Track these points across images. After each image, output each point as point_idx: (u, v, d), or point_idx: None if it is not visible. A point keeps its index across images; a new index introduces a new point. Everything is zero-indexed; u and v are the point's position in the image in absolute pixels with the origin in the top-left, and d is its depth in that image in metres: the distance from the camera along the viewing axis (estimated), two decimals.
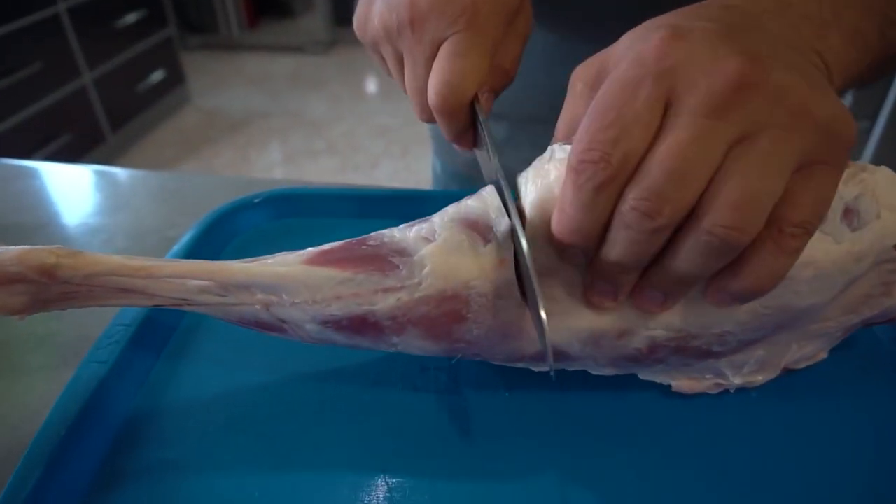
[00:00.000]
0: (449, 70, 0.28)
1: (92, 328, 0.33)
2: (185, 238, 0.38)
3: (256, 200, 0.42)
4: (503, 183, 0.25)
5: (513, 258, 0.25)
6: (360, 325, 0.26)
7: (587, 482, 0.27)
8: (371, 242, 0.26)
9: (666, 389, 0.30)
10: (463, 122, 0.30)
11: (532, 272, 0.22)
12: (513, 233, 0.24)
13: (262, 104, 2.63)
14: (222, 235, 0.40)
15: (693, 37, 0.21)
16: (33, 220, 0.47)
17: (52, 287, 0.25)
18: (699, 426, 0.29)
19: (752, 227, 0.20)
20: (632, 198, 0.20)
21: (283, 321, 0.27)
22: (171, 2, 2.48)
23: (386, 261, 0.25)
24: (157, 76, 2.36)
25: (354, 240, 0.27)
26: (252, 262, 0.27)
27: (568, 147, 0.24)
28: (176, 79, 2.50)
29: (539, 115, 0.50)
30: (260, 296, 0.26)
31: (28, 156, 1.77)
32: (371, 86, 2.83)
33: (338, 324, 0.26)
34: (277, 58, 3.08)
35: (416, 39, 0.29)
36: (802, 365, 0.30)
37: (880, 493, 0.26)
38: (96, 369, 0.29)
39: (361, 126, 2.44)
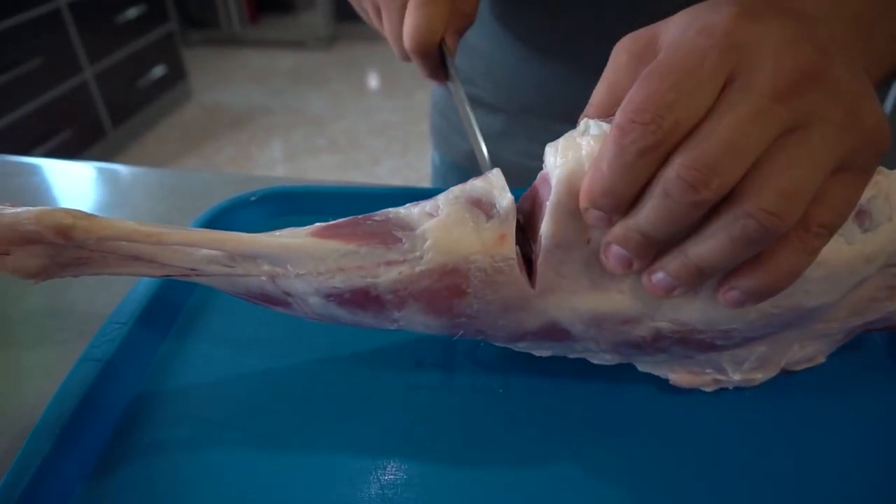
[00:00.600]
0: (418, 16, 0.34)
1: (91, 325, 0.33)
2: None
3: (254, 198, 0.42)
4: (466, 101, 0.34)
5: (514, 234, 0.25)
6: (363, 298, 0.26)
7: (581, 478, 0.27)
8: (376, 218, 0.26)
9: (662, 385, 0.30)
10: (434, 60, 0.36)
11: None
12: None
13: (263, 100, 2.63)
14: None
15: (765, 19, 0.21)
16: None
17: (67, 250, 0.25)
18: (694, 424, 0.29)
19: (791, 217, 0.20)
20: (680, 164, 0.20)
21: (288, 294, 0.27)
22: None
23: (389, 234, 0.26)
24: (158, 72, 2.36)
25: (361, 216, 0.27)
26: (261, 234, 0.27)
27: (604, 124, 0.23)
28: (177, 74, 2.50)
29: (533, 107, 0.51)
30: (266, 267, 0.26)
31: (29, 151, 1.77)
32: (372, 82, 2.83)
33: (340, 297, 0.26)
34: (279, 53, 3.08)
35: None
36: (800, 367, 0.30)
37: (872, 493, 0.26)
38: (105, 349, 0.30)
39: (363, 123, 2.44)
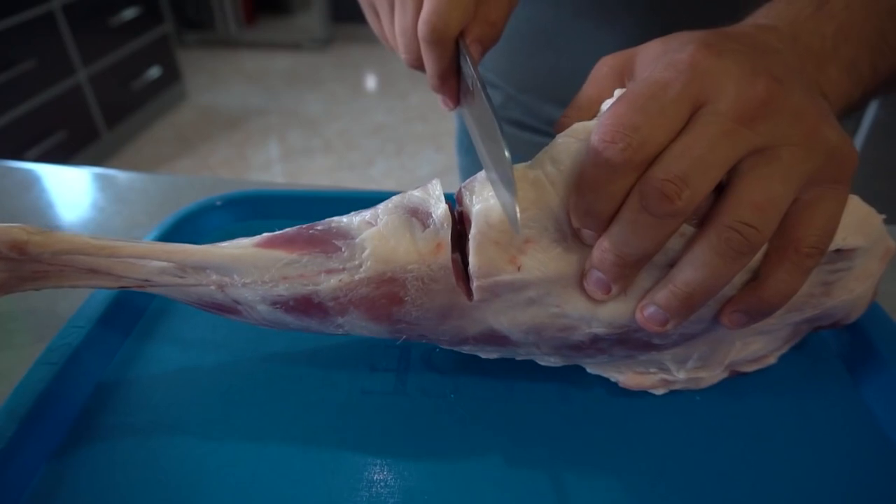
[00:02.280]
0: (435, 4, 0.29)
1: (51, 328, 0.33)
2: (148, 239, 0.39)
3: (219, 203, 0.42)
4: (492, 112, 0.25)
5: (449, 244, 0.25)
6: (306, 305, 0.27)
7: (532, 480, 0.27)
8: (319, 227, 0.27)
9: (613, 388, 0.31)
10: (448, 58, 0.30)
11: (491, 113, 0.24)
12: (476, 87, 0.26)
13: (258, 101, 2.63)
14: (185, 237, 0.40)
15: (725, 53, 0.23)
16: (25, 220, 0.47)
17: (26, 265, 0.27)
18: (645, 425, 0.29)
19: (768, 229, 0.22)
20: (653, 177, 0.21)
21: (237, 302, 0.28)
22: None
23: (330, 243, 0.26)
24: (154, 73, 2.36)
25: (305, 225, 0.28)
26: (209, 246, 0.28)
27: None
28: (172, 76, 2.50)
29: (526, 89, 0.54)
30: (214, 277, 0.27)
31: (22, 153, 1.77)
32: (367, 84, 2.83)
33: (286, 304, 0.27)
34: (274, 55, 3.08)
35: None
36: (752, 369, 0.31)
37: (820, 490, 0.26)
38: (64, 351, 0.31)
39: (357, 124, 2.44)
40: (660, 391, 0.30)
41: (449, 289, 0.26)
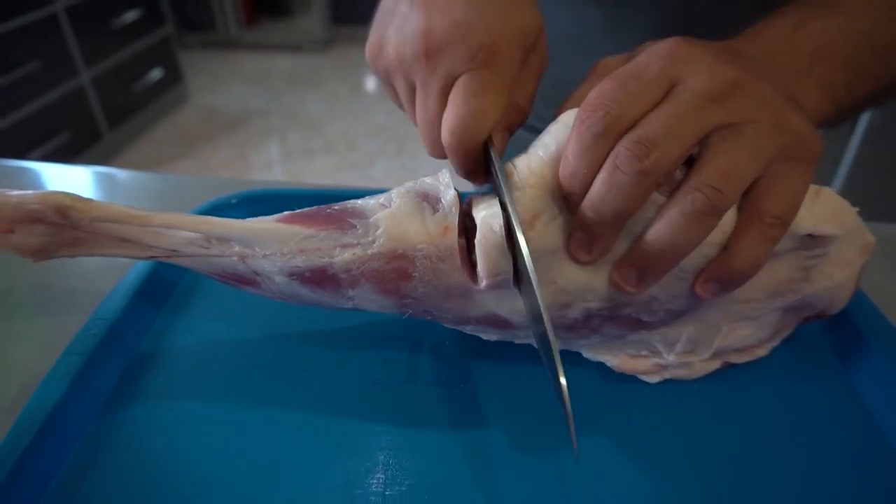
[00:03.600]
0: (465, 109, 0.27)
1: (76, 319, 0.35)
2: None
3: (234, 201, 0.43)
4: (516, 221, 0.25)
5: (456, 227, 0.27)
6: (321, 276, 0.29)
7: (536, 461, 0.28)
8: (336, 207, 0.30)
9: (612, 376, 0.32)
10: (475, 162, 0.28)
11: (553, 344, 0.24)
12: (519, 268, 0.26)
13: (259, 103, 2.65)
14: None
15: (701, 46, 0.26)
16: None
17: (65, 231, 0.28)
18: (643, 411, 0.31)
19: (732, 194, 0.24)
20: (625, 139, 0.24)
21: (257, 273, 0.30)
22: (169, 0, 2.49)
23: (345, 221, 0.28)
24: (155, 74, 2.37)
25: (323, 205, 0.30)
26: (232, 219, 0.30)
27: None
28: (174, 77, 2.52)
29: (538, 94, 0.54)
30: (237, 248, 0.29)
31: (26, 154, 1.78)
32: (368, 85, 2.85)
33: (302, 275, 0.29)
34: (275, 56, 3.10)
35: (430, 72, 0.28)
36: (742, 360, 0.32)
37: (816, 478, 0.28)
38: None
39: (358, 125, 2.46)
40: (654, 378, 0.32)
41: (454, 269, 0.27)
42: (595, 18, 0.49)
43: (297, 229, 0.28)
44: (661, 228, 0.25)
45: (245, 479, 0.28)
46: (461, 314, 0.30)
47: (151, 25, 2.32)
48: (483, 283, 0.27)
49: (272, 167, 2.21)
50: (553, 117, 0.29)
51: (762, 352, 0.32)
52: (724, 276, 0.26)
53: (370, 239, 0.28)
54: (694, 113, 0.24)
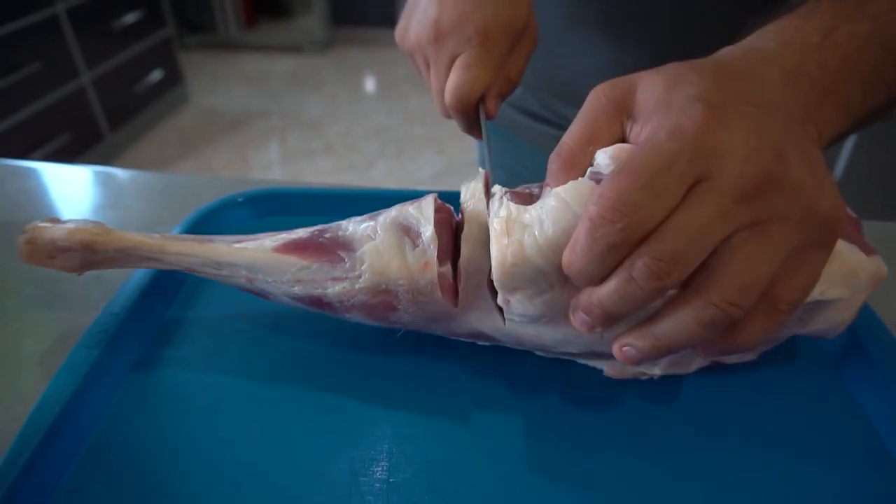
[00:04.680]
0: (461, 77, 0.35)
1: (86, 317, 0.35)
2: (174, 232, 0.41)
3: (240, 199, 0.44)
4: (489, 168, 0.33)
5: (436, 262, 0.28)
6: (318, 303, 0.32)
7: (538, 455, 0.29)
8: (327, 235, 0.31)
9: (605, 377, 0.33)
10: (471, 118, 0.38)
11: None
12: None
13: (260, 104, 2.65)
14: (207, 232, 0.43)
15: (732, 121, 0.23)
16: (29, 217, 0.49)
17: (95, 254, 0.33)
18: (635, 411, 0.31)
19: (750, 304, 0.22)
20: (647, 255, 0.22)
21: (265, 291, 0.33)
22: (170, 2, 2.50)
23: (335, 253, 0.30)
24: (156, 76, 2.38)
25: (317, 229, 0.32)
26: (241, 240, 0.33)
27: (609, 154, 0.25)
28: (174, 78, 2.52)
29: (538, 83, 0.56)
30: (244, 272, 0.32)
31: (27, 155, 1.79)
32: (368, 86, 2.85)
33: (301, 300, 0.32)
34: (275, 57, 3.11)
35: (438, 51, 0.37)
36: (732, 361, 0.33)
37: (810, 478, 0.28)
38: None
39: (358, 126, 2.46)
40: (644, 377, 0.32)
41: (436, 301, 0.29)
42: (582, 15, 0.50)
43: (293, 260, 0.31)
44: (673, 328, 0.23)
45: (254, 469, 0.29)
46: (448, 333, 0.32)
47: (152, 27, 2.33)
48: (461, 284, 0.29)
49: (272, 168, 2.22)
50: (550, 162, 0.27)
51: (751, 356, 0.32)
52: (726, 348, 0.25)
53: (357, 273, 0.30)
54: (721, 220, 0.22)
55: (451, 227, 0.31)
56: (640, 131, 0.26)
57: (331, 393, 0.32)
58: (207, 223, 0.43)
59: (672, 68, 0.26)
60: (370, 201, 0.45)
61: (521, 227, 0.25)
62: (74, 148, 2.00)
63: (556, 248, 0.24)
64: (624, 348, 0.25)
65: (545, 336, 0.29)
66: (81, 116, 2.04)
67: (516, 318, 0.28)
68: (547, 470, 0.29)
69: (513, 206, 0.26)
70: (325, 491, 0.28)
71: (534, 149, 0.61)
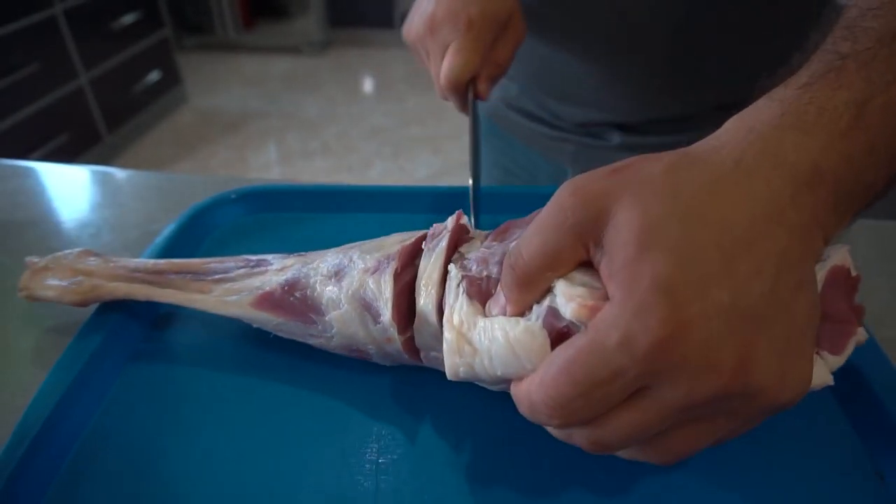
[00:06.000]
0: (451, 61, 0.41)
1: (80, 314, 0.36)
2: (166, 231, 0.42)
3: (233, 197, 0.45)
4: (472, 166, 0.41)
5: (397, 337, 0.30)
6: (304, 346, 0.34)
7: (526, 437, 0.30)
8: (297, 294, 0.32)
9: None
10: (464, 98, 0.43)
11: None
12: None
13: (257, 105, 2.66)
14: (201, 229, 0.44)
15: (691, 334, 0.19)
16: (27, 216, 0.50)
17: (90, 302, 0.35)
18: None
19: (680, 458, 0.23)
20: (585, 437, 0.22)
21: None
22: (168, 3, 2.51)
23: (307, 316, 0.32)
24: (154, 77, 2.39)
25: (288, 284, 0.33)
26: (224, 279, 0.35)
27: (570, 296, 0.23)
28: (172, 79, 2.53)
29: (536, 82, 0.57)
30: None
31: (25, 155, 1.79)
32: (365, 87, 2.86)
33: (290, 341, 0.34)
34: (273, 58, 3.11)
35: (434, 41, 0.43)
36: None
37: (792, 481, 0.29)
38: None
39: (355, 127, 2.47)
40: None
41: (404, 358, 0.31)
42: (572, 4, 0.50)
43: (270, 316, 0.33)
44: (609, 435, 0.22)
45: (248, 456, 0.29)
46: (425, 368, 0.33)
47: (150, 28, 2.34)
48: (425, 363, 0.31)
49: (270, 168, 2.23)
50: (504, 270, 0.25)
51: None
52: (645, 458, 0.25)
53: (329, 335, 0.32)
54: (659, 422, 0.21)
55: (411, 269, 0.31)
56: (605, 270, 0.22)
57: (323, 377, 0.33)
58: (201, 220, 0.44)
59: (654, 194, 0.21)
60: (361, 198, 0.46)
61: (473, 352, 0.25)
62: (73, 148, 2.01)
63: (506, 380, 0.25)
64: (572, 440, 0.24)
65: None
66: (79, 117, 2.04)
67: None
68: (533, 454, 0.29)
69: (465, 310, 0.26)
70: (316, 471, 0.29)
71: (528, 148, 0.62)
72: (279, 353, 0.35)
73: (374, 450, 0.30)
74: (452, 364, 0.25)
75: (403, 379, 0.33)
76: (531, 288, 0.24)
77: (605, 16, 0.48)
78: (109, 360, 0.34)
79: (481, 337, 0.25)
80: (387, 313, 0.29)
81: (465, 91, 0.43)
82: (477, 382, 0.27)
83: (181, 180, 0.56)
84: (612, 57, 0.49)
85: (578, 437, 0.23)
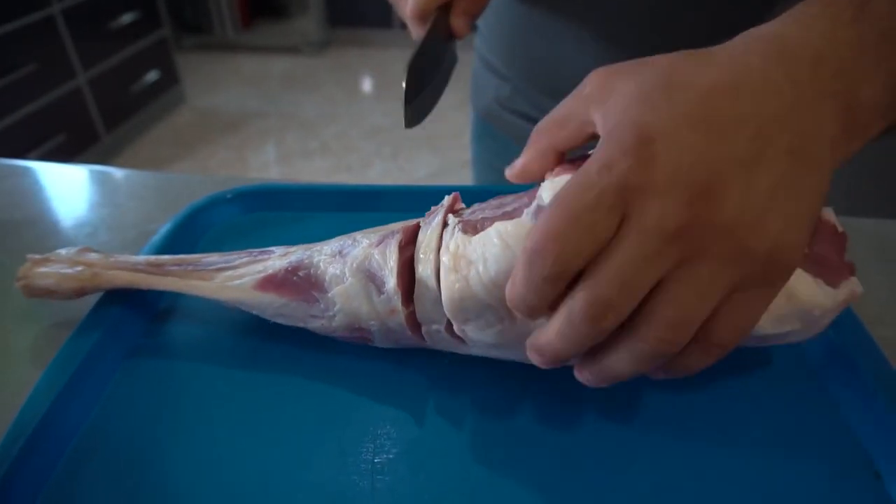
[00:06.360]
0: None
1: (78, 310, 0.36)
2: (162, 231, 0.41)
3: (229, 196, 0.45)
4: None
5: (401, 309, 0.30)
6: (303, 331, 0.34)
7: (520, 436, 0.30)
8: (301, 273, 0.33)
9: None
10: (424, 29, 0.38)
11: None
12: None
13: (256, 104, 2.66)
14: (198, 229, 0.43)
15: (660, 158, 0.22)
16: (24, 216, 0.50)
17: (88, 291, 0.35)
18: (608, 408, 0.32)
19: (681, 341, 0.23)
20: (580, 299, 0.22)
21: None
22: (166, 2, 2.51)
23: (310, 294, 0.32)
24: (152, 76, 2.39)
25: (291, 264, 0.33)
26: (225, 266, 0.34)
27: (553, 188, 0.26)
28: (170, 79, 2.53)
29: (527, 77, 0.57)
30: (230, 304, 0.34)
31: (23, 155, 1.79)
32: (364, 87, 2.86)
33: (288, 327, 0.34)
34: (272, 58, 3.11)
35: None
36: None
37: (788, 479, 0.29)
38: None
39: (354, 127, 2.47)
40: None
41: (406, 336, 0.31)
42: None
43: (273, 298, 0.33)
44: (612, 361, 0.24)
45: (246, 453, 0.29)
46: (426, 348, 0.33)
47: (148, 28, 2.33)
48: (422, 328, 0.30)
49: (269, 168, 2.23)
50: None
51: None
52: (667, 373, 0.26)
53: (331, 314, 0.31)
54: (649, 260, 0.22)
55: (406, 260, 0.31)
56: (602, 131, 0.25)
57: (320, 377, 0.33)
58: (197, 219, 0.43)
59: (653, 72, 0.24)
60: (358, 198, 0.46)
61: (468, 263, 0.27)
62: (71, 149, 2.00)
63: (500, 285, 0.25)
64: (579, 374, 0.26)
65: (510, 356, 0.30)
66: (77, 117, 2.04)
67: (478, 347, 0.29)
68: (529, 452, 0.29)
69: (460, 237, 0.27)
70: (313, 471, 0.29)
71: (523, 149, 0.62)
72: (277, 350, 0.35)
73: (370, 449, 0.30)
74: (449, 284, 0.27)
75: (402, 379, 0.33)
76: (545, 136, 0.28)
77: (601, 10, 0.48)
78: (107, 356, 0.34)
79: (476, 247, 0.27)
80: (391, 281, 0.29)
81: (433, 22, 0.38)
82: (471, 310, 0.27)
83: (179, 180, 0.56)
84: (609, 52, 0.49)
85: (578, 306, 0.22)
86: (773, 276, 0.23)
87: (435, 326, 0.30)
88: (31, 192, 0.54)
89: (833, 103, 0.23)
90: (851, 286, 0.27)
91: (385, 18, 3.10)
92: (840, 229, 0.29)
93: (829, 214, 0.29)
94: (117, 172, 0.57)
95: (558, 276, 0.22)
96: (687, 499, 0.28)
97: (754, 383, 0.33)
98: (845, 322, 0.34)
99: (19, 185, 0.55)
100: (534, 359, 0.26)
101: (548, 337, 0.24)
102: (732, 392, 0.33)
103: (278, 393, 0.33)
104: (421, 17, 0.38)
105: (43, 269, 0.35)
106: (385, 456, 0.29)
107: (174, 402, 0.32)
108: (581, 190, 0.22)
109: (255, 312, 0.34)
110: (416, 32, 0.39)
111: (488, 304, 0.27)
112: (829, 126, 0.23)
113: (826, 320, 0.28)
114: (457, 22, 0.38)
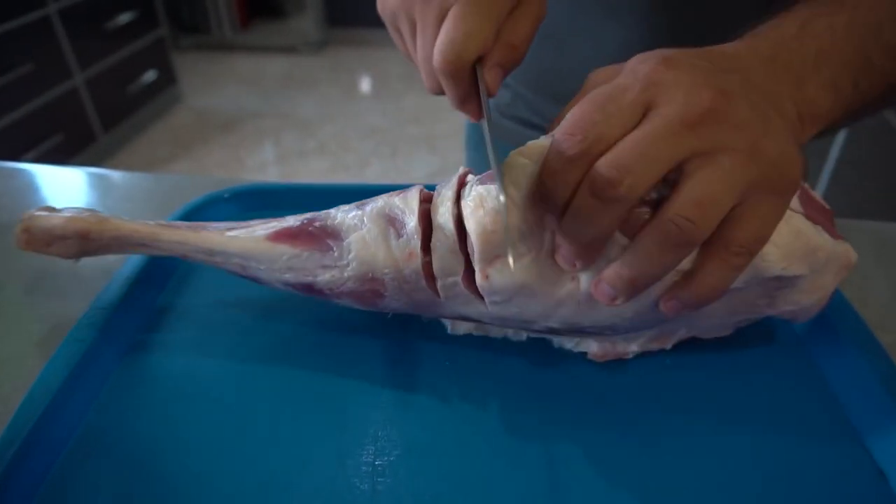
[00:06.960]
0: (452, 31, 0.29)
1: (68, 317, 0.36)
2: None
3: (226, 196, 0.45)
4: (491, 147, 0.27)
5: (419, 252, 0.29)
6: (309, 289, 0.33)
7: (517, 432, 0.30)
8: (317, 223, 0.32)
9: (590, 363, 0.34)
10: (465, 86, 0.30)
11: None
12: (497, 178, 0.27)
13: (253, 104, 2.65)
14: None
15: (682, 67, 0.26)
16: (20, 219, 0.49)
17: (91, 243, 0.34)
18: (615, 391, 0.32)
19: (706, 225, 0.24)
20: (600, 164, 0.24)
21: (257, 278, 0.33)
22: (163, 2, 2.50)
23: (324, 242, 0.31)
24: (149, 76, 2.38)
25: (306, 217, 0.33)
26: (233, 227, 0.34)
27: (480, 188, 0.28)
28: (168, 79, 2.52)
29: (533, 84, 0.56)
30: (237, 260, 0.33)
31: (20, 156, 1.78)
32: (362, 86, 2.86)
33: (293, 286, 0.33)
34: (269, 58, 3.11)
35: (426, 5, 0.30)
36: (708, 336, 0.34)
37: (779, 455, 0.29)
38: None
39: (352, 127, 2.47)
40: (627, 356, 0.33)
41: (420, 288, 0.30)
42: (588, 3, 0.50)
43: (284, 248, 0.32)
44: (635, 257, 0.25)
45: (243, 452, 0.29)
46: (435, 315, 0.33)
47: (146, 27, 2.33)
48: (438, 282, 0.30)
49: (266, 168, 2.22)
50: (548, 130, 0.28)
51: (727, 331, 0.33)
52: (686, 298, 0.26)
53: (345, 262, 0.31)
54: (667, 139, 0.24)
55: (424, 213, 0.31)
56: None
57: (319, 378, 0.33)
58: (193, 219, 0.43)
59: (673, 51, 0.27)
60: (354, 196, 0.45)
61: (494, 197, 0.27)
62: (67, 149, 2.00)
63: (529, 202, 0.26)
64: (598, 285, 0.27)
65: (527, 312, 0.29)
66: (74, 117, 2.03)
67: (497, 299, 0.29)
68: (529, 453, 0.29)
69: (482, 186, 0.28)
70: (312, 474, 0.28)
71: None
72: (277, 350, 0.35)
73: (371, 451, 0.29)
74: (478, 220, 0.27)
75: (402, 379, 0.33)
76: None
77: (618, 20, 0.47)
78: (105, 354, 0.34)
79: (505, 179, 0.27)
80: (412, 221, 0.29)
81: (467, 76, 0.30)
82: (500, 244, 0.27)
83: (176, 181, 0.56)
84: (614, 55, 0.49)
85: (597, 172, 0.24)
86: (781, 186, 0.25)
87: (451, 279, 0.29)
88: (28, 195, 0.54)
89: (787, 89, 0.28)
90: (847, 247, 0.29)
91: None
92: (826, 206, 0.31)
93: (813, 192, 0.31)
94: (113, 174, 0.57)
95: (584, 155, 0.24)
96: (689, 498, 0.28)
97: (746, 358, 0.34)
98: (847, 320, 0.34)
99: (15, 187, 0.54)
100: (562, 256, 0.27)
101: (567, 219, 0.25)
102: (733, 385, 0.33)
103: (277, 394, 0.32)
104: (454, 70, 0.29)
105: (48, 213, 0.34)
106: (386, 458, 0.29)
107: (172, 401, 0.32)
108: (609, 87, 0.26)
109: (261, 272, 0.33)
110: (452, 92, 0.31)
111: (519, 231, 0.26)
112: (788, 106, 0.28)
113: (827, 281, 0.29)
114: (491, 76, 0.30)
